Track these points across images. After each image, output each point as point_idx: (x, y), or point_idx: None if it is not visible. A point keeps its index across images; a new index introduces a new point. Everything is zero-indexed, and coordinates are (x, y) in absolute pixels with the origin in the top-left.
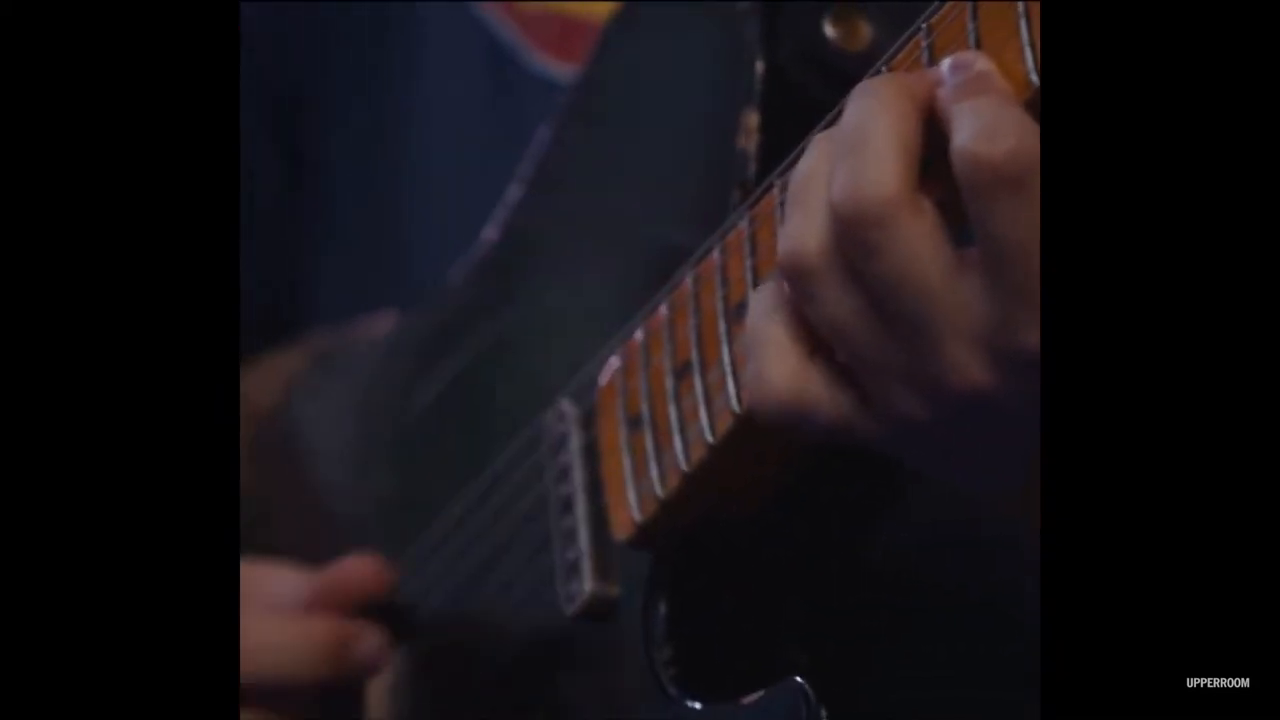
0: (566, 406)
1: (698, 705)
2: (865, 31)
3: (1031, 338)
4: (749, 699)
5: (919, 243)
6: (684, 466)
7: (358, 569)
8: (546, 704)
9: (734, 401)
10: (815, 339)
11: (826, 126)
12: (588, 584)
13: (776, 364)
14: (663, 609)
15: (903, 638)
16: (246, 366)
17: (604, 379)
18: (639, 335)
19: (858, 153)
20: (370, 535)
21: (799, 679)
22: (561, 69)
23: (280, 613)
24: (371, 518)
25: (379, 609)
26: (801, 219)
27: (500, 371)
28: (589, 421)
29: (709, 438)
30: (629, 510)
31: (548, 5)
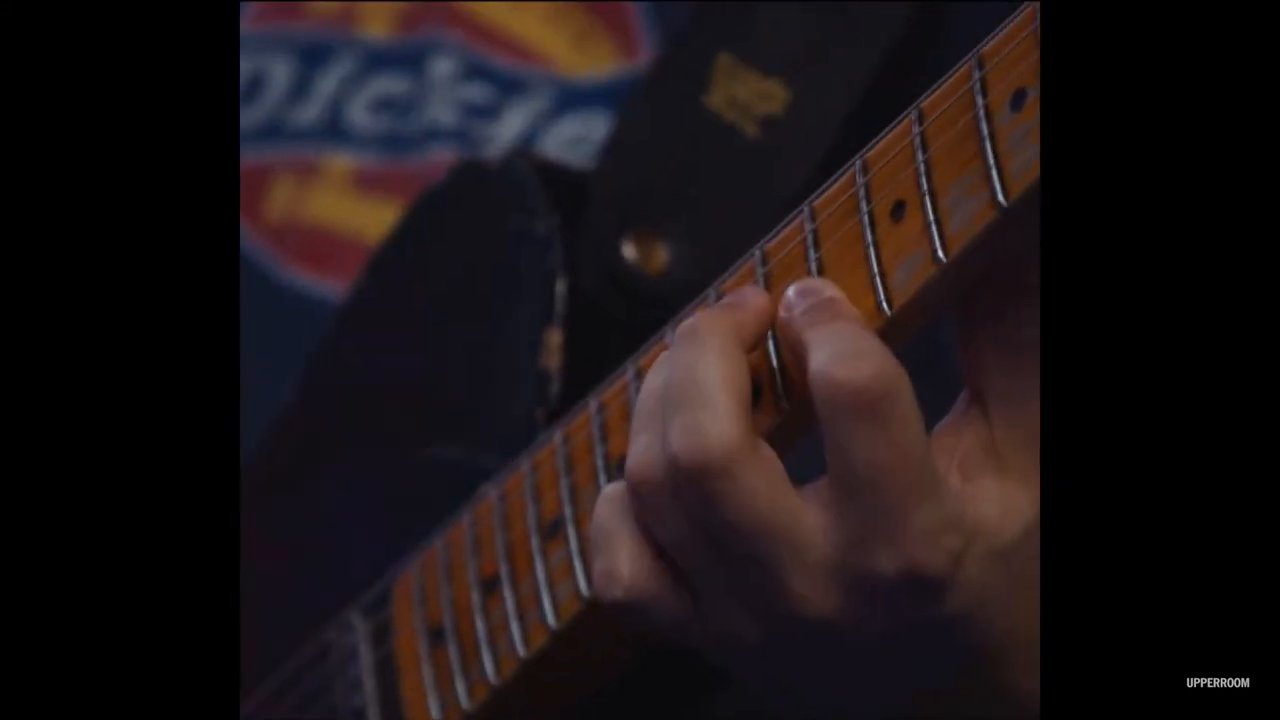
0: (355, 619)
1: None
2: (663, 255)
3: (885, 562)
4: None
5: (760, 487)
6: (493, 680)
7: None
8: None
9: (550, 617)
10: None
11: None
12: None
13: (625, 562)
14: None
15: None
16: None
17: (400, 589)
18: (439, 548)
19: (692, 405)
20: None
21: None
22: (315, 282)
23: None
24: None
25: None
26: (647, 440)
27: (280, 576)
28: (381, 634)
29: (521, 652)
30: None
31: (295, 216)
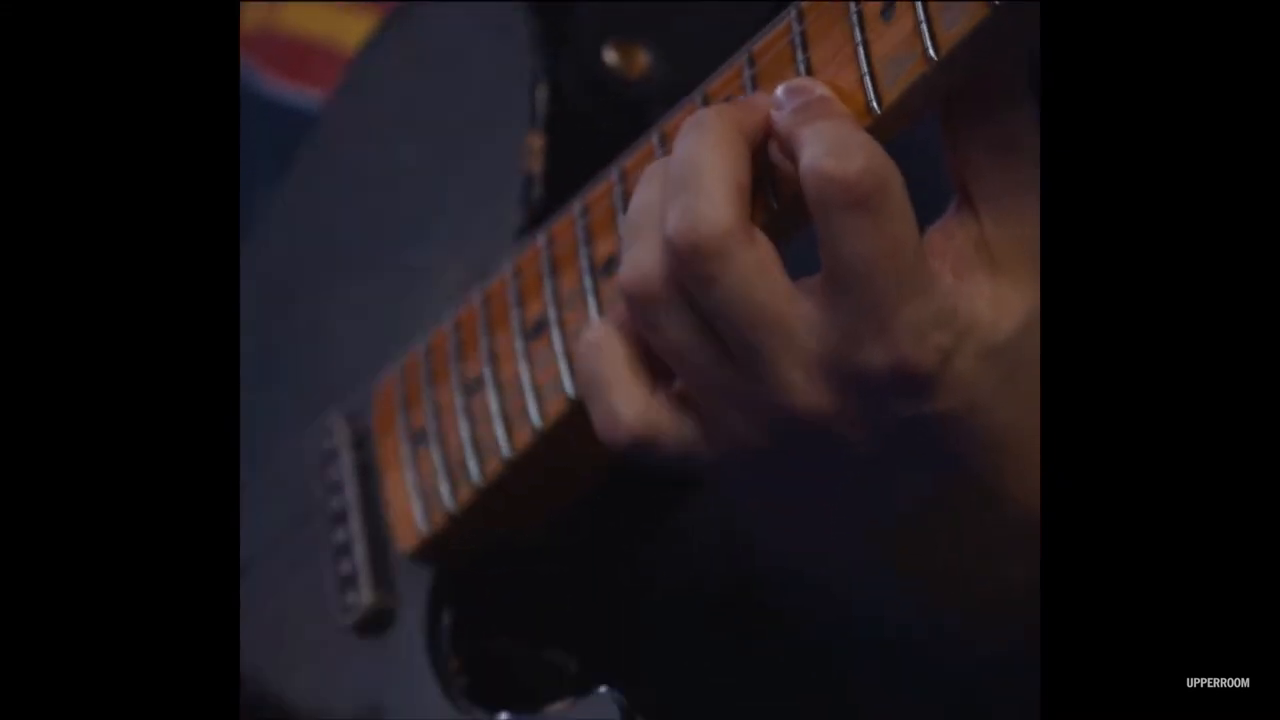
0: (335, 422)
1: (504, 716)
2: (643, 59)
3: (876, 357)
4: (556, 709)
5: (753, 272)
6: (478, 481)
7: None
8: (322, 709)
9: (535, 417)
10: (656, 372)
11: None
12: (366, 595)
13: (624, 402)
14: (448, 620)
15: (688, 649)
16: None
17: (380, 394)
18: (421, 352)
19: (690, 188)
20: None
21: (611, 690)
22: (296, 92)
23: None
24: None
25: None
26: (641, 249)
27: (261, 381)
28: (362, 436)
29: (506, 453)
30: (414, 524)
31: (270, 25)
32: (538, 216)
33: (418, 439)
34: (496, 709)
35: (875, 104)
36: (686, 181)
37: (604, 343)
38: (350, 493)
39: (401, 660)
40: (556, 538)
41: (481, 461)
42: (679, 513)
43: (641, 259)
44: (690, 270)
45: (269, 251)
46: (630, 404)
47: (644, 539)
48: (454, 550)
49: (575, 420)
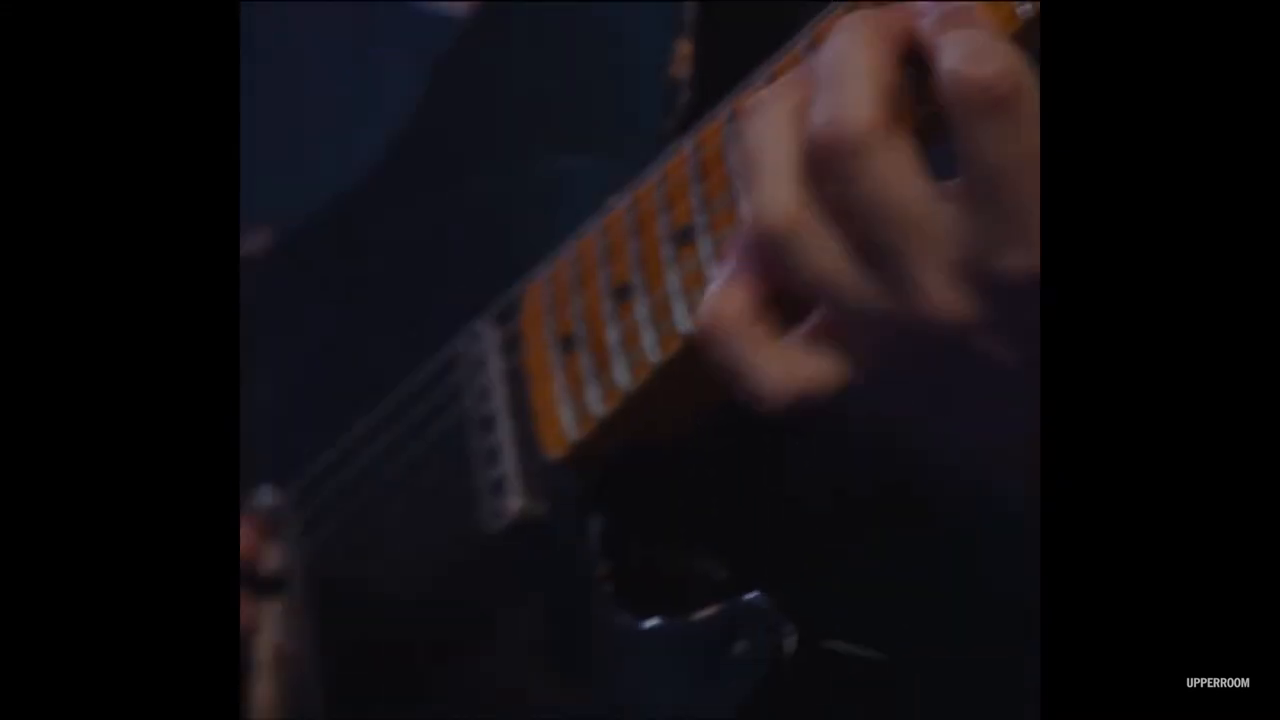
0: (484, 328)
1: (652, 621)
2: None
3: (1015, 261)
4: (705, 614)
5: (895, 171)
6: (626, 386)
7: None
8: (468, 623)
9: (683, 323)
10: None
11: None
12: (515, 501)
13: (779, 189)
14: (596, 526)
15: (834, 554)
16: None
17: (529, 299)
18: (569, 257)
19: (836, 86)
20: (260, 451)
21: (760, 596)
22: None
23: None
24: (262, 433)
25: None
26: (772, 187)
27: (403, 290)
28: (511, 343)
29: (654, 358)
30: (563, 429)
31: None
32: (685, 122)
33: (566, 344)
34: (645, 615)
35: (1020, 7)
36: (833, 80)
37: (771, 126)
38: (498, 398)
39: (550, 566)
40: (705, 442)
41: (630, 367)
42: (827, 414)
43: (776, 195)
44: (833, 170)
45: (411, 148)
46: (784, 191)
47: (793, 442)
48: (602, 456)
49: None
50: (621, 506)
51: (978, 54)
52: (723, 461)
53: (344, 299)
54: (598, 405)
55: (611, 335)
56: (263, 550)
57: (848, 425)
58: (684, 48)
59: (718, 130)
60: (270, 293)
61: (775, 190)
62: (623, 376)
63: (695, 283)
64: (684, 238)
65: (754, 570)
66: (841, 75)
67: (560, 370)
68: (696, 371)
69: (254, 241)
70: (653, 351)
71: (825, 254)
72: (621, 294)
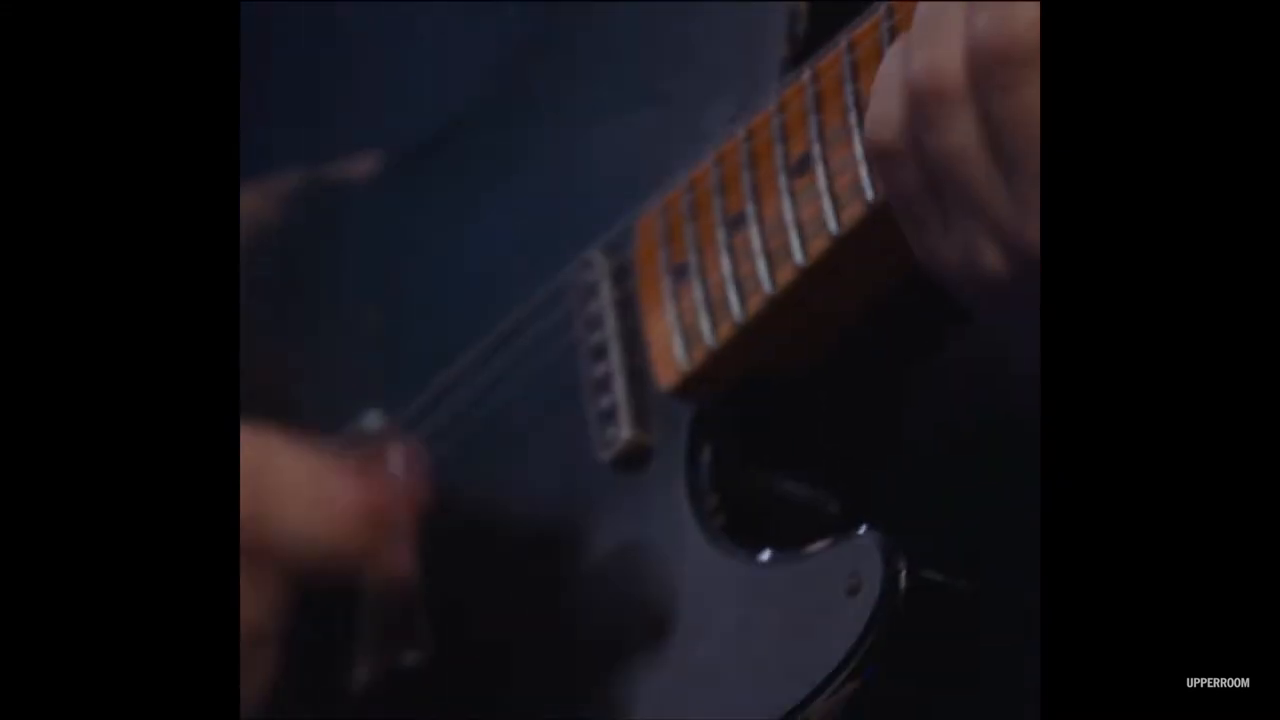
0: (596, 256)
1: (766, 555)
2: None
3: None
4: (818, 548)
5: (963, 133)
6: (739, 317)
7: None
8: (575, 550)
9: (798, 254)
10: None
11: None
12: (625, 430)
13: (884, 107)
14: (707, 457)
15: (948, 487)
16: None
17: (642, 229)
18: (682, 188)
19: (931, 36)
20: (367, 376)
21: (872, 529)
22: None
23: (307, 493)
24: (369, 358)
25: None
26: (940, 50)
27: (510, 220)
28: (622, 272)
29: (768, 289)
30: (675, 359)
31: None
32: (801, 52)
33: (679, 274)
34: (756, 547)
35: None
36: (928, 29)
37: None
38: (610, 327)
39: (659, 497)
40: (818, 374)
41: (743, 297)
42: (942, 348)
43: (940, 58)
44: (994, 74)
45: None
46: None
47: (906, 374)
48: (714, 387)
49: (837, 258)
50: (732, 438)
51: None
52: (837, 392)
53: (452, 223)
54: (710, 336)
55: (725, 265)
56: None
57: (961, 354)
58: None
59: (836, 61)
60: (377, 216)
61: (938, 55)
62: (736, 307)
63: (811, 213)
64: (800, 168)
65: (867, 504)
66: (937, 26)
67: (672, 300)
68: (809, 303)
69: (362, 166)
70: (766, 282)
71: (964, 137)
72: (736, 224)
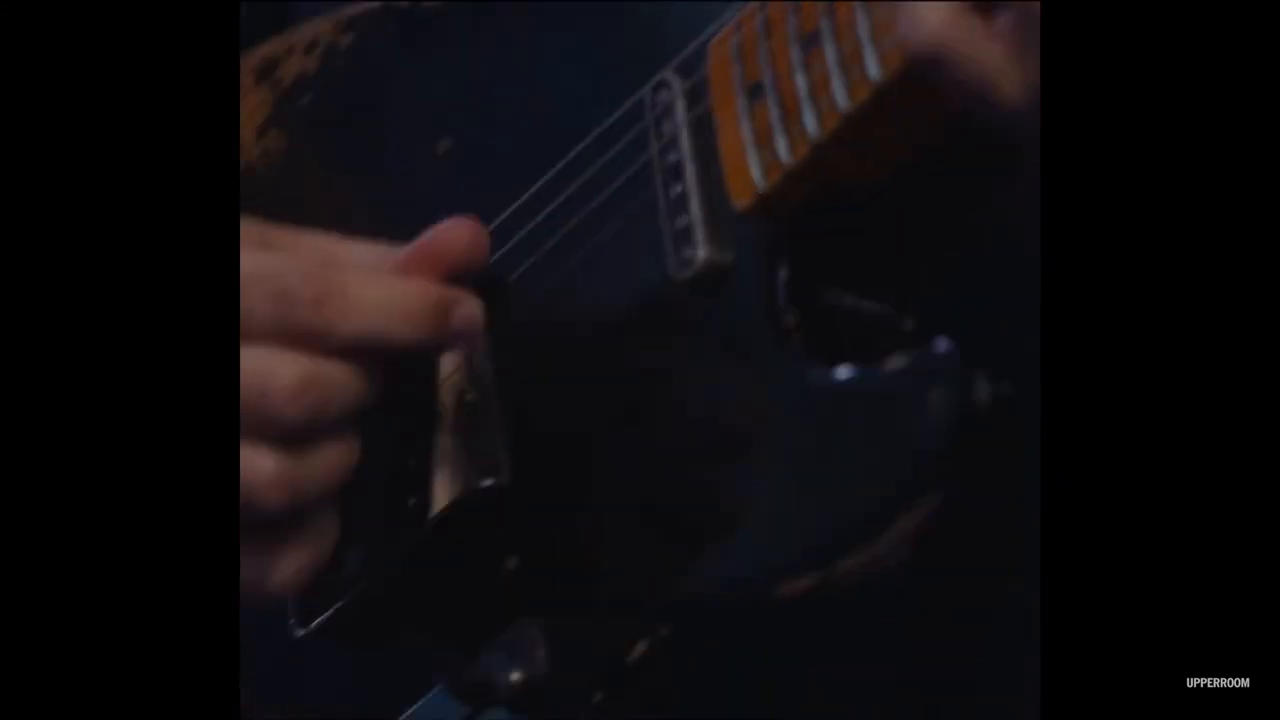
0: (671, 76)
1: (845, 371)
2: None
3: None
4: (897, 364)
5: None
6: (815, 135)
7: (456, 233)
8: (652, 369)
9: (874, 70)
10: None
11: None
12: (702, 250)
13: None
14: (784, 275)
15: (1025, 305)
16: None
17: (716, 48)
18: (756, 6)
19: None
20: (443, 200)
21: (948, 343)
22: None
23: (376, 273)
24: (444, 183)
25: (472, 275)
26: None
27: (583, 40)
28: (697, 92)
29: (843, 106)
30: (751, 179)
31: None
32: None
33: (754, 92)
34: (834, 363)
35: None
36: None
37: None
38: (685, 146)
39: (737, 315)
40: (894, 193)
41: (819, 115)
42: (1014, 172)
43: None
44: None
45: None
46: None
47: (980, 197)
48: (790, 205)
49: (914, 75)
50: (809, 257)
51: None
52: (911, 210)
53: (525, 49)
54: (785, 154)
55: (800, 83)
56: (466, 296)
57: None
58: None
59: None
60: (446, 44)
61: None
62: (811, 125)
63: (886, 29)
64: None
65: (942, 320)
66: None
67: (748, 119)
68: (885, 122)
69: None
70: (842, 99)
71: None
72: (810, 41)
